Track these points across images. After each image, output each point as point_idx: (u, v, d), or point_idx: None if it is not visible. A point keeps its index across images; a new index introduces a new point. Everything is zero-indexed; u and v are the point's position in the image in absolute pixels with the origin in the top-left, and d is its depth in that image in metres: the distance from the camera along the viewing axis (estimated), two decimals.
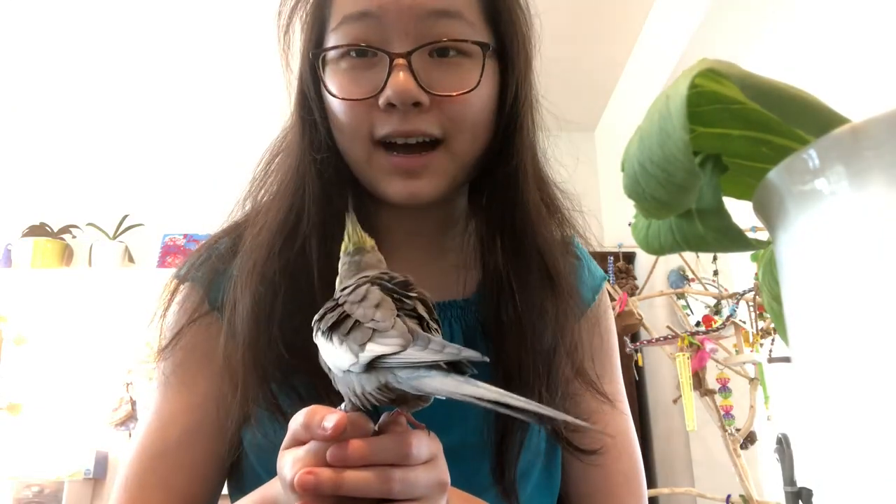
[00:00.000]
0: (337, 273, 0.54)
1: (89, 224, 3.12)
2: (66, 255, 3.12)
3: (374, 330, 0.44)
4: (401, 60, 0.60)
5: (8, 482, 2.65)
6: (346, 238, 0.54)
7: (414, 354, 0.41)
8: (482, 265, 0.68)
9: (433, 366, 0.41)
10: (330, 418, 0.43)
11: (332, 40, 0.63)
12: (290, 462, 0.45)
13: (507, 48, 0.65)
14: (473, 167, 0.66)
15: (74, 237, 3.17)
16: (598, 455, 0.68)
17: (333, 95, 0.63)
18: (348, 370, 0.45)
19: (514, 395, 0.38)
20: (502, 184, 0.67)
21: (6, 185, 3.27)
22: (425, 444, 0.46)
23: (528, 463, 0.67)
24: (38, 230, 3.09)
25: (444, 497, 0.47)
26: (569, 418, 0.38)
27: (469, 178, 0.68)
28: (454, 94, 0.61)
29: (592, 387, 0.70)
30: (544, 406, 0.38)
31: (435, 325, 0.47)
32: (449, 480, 0.48)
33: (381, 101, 0.60)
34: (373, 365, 0.43)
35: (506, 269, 0.66)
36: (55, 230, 3.13)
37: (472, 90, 0.61)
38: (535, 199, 0.68)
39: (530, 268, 0.67)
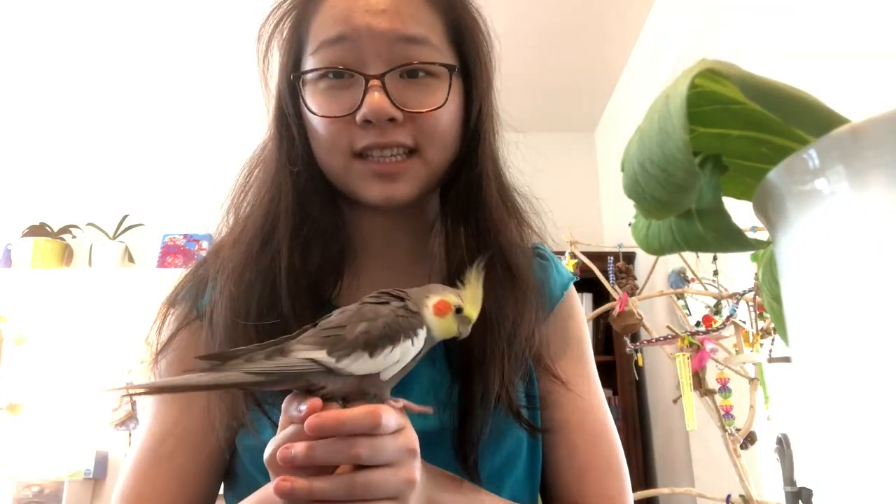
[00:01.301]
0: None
1: (89, 224, 3.12)
2: (66, 255, 3.11)
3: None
4: (375, 81, 0.66)
5: (8, 482, 2.65)
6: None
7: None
8: (448, 261, 0.72)
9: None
10: (305, 401, 0.50)
11: (310, 63, 0.69)
12: (272, 444, 0.52)
13: (471, 69, 0.72)
14: (443, 174, 0.73)
15: (74, 237, 3.17)
16: (548, 434, 0.74)
17: (314, 113, 0.68)
18: None
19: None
20: (466, 188, 0.73)
21: (6, 185, 3.27)
22: (393, 416, 0.51)
23: (509, 454, 0.70)
24: (38, 230, 3.09)
25: (415, 462, 0.52)
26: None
27: (439, 184, 0.74)
28: (424, 110, 0.67)
29: (549, 371, 0.75)
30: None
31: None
32: (418, 447, 0.52)
33: (359, 118, 0.66)
34: None
35: (469, 263, 0.69)
36: (55, 230, 3.12)
37: (440, 107, 0.68)
38: (496, 200, 0.74)
39: (492, 262, 0.70)
